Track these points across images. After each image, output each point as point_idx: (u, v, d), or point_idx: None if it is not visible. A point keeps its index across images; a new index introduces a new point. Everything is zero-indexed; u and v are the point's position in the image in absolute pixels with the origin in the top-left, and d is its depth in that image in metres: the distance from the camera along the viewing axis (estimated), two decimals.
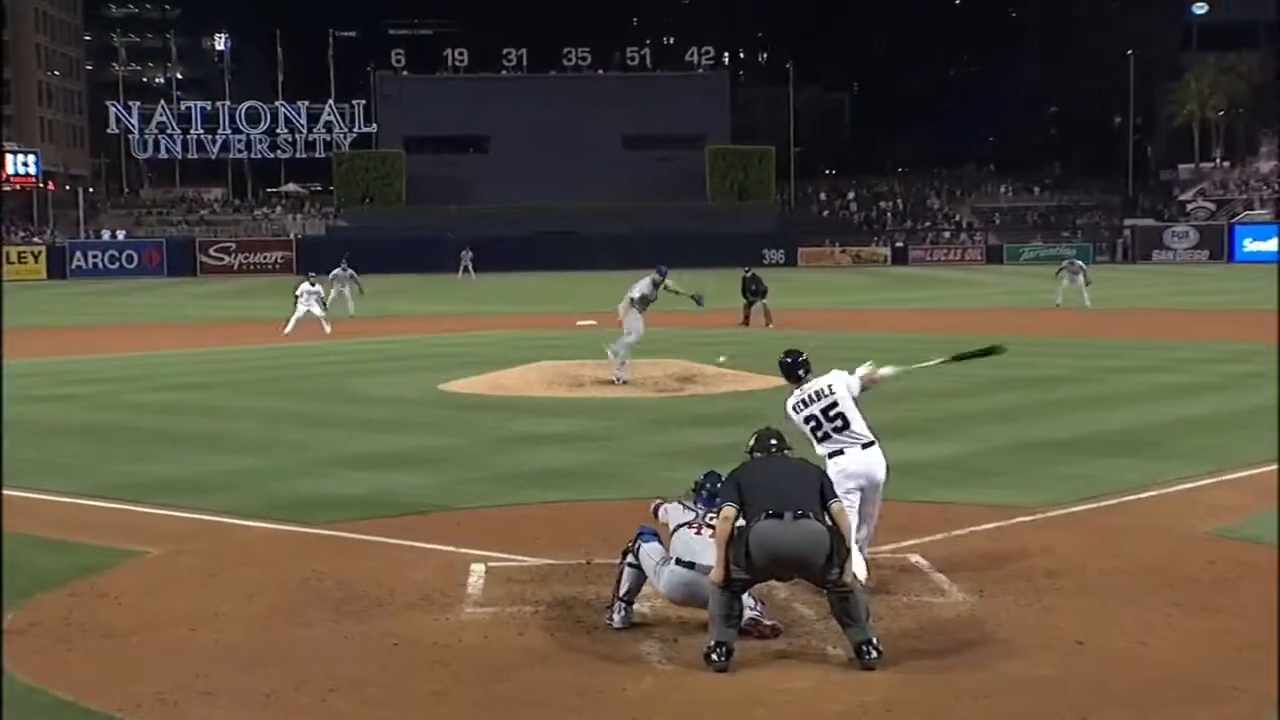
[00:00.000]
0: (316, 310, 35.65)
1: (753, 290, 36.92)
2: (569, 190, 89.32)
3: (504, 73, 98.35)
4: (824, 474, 8.78)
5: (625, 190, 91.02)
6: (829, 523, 8.33)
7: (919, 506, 12.25)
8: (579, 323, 37.05)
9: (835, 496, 8.51)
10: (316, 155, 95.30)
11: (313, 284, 36.84)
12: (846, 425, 9.86)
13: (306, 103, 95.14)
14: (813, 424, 9.91)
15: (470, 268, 70.36)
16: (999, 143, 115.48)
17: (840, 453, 9.85)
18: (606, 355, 22.51)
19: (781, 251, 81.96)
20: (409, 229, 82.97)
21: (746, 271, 37.77)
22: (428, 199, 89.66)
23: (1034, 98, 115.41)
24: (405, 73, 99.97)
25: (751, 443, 8.99)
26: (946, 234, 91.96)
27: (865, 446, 9.88)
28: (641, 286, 22.24)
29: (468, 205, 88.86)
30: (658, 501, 9.41)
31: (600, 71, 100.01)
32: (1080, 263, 43.66)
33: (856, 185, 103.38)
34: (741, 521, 8.34)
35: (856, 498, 9.76)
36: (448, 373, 24.37)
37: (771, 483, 8.42)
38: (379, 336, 34.22)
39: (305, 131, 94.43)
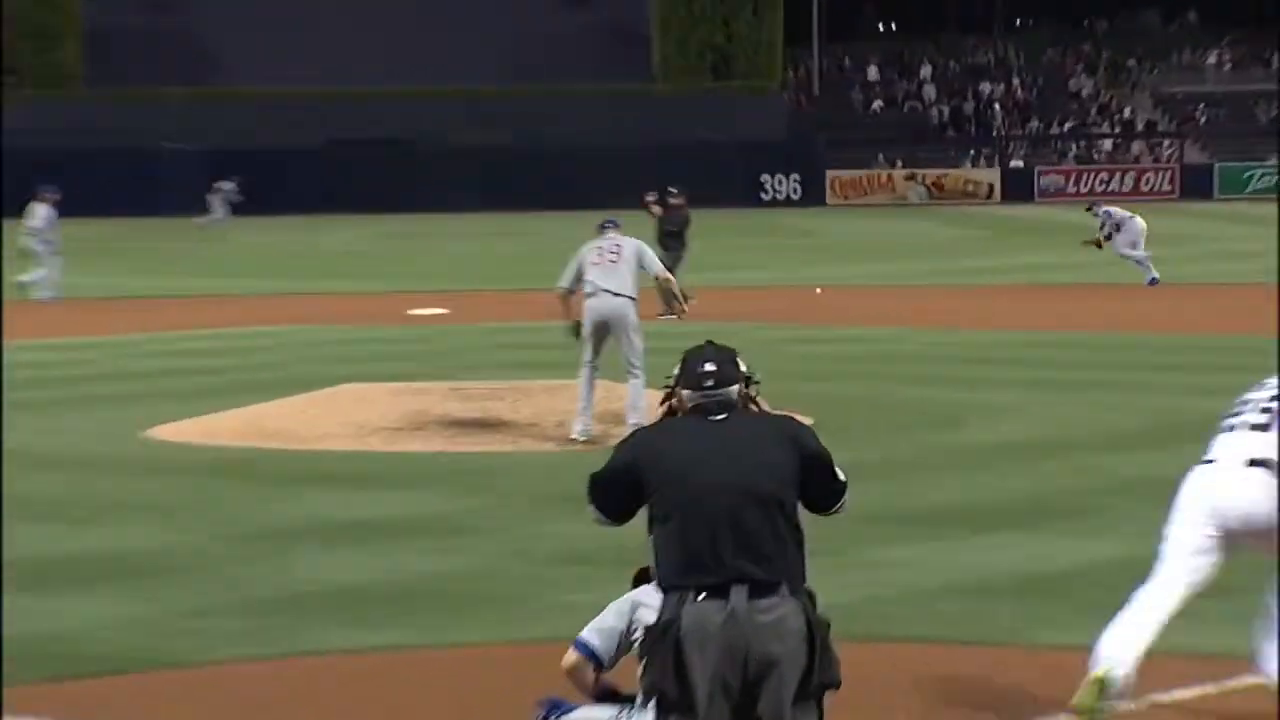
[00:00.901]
0: None
1: (670, 234, 37.99)
2: (398, 66, 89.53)
3: None
4: (803, 437, 8.59)
5: (504, 67, 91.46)
6: (805, 600, 8.18)
7: (1073, 653, 12.19)
8: (411, 311, 37.16)
9: (839, 500, 8.54)
10: None
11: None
12: (1265, 429, 10.49)
13: None
14: (1245, 405, 10.81)
15: (229, 204, 72.34)
16: None
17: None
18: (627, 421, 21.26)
19: (795, 178, 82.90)
20: (93, 133, 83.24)
21: (672, 196, 38.79)
22: (126, 77, 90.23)
23: None
24: None
25: (676, 372, 8.87)
26: (1106, 144, 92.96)
27: (1252, 465, 10.43)
28: (644, 253, 22.34)
29: (202, 87, 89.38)
30: (588, 636, 9.17)
31: None
32: (1112, 210, 44.84)
33: (933, 54, 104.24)
34: (653, 598, 8.28)
35: (1195, 542, 10.42)
36: (166, 406, 24.48)
37: (701, 485, 8.24)
38: (39, 338, 34.32)
39: None
